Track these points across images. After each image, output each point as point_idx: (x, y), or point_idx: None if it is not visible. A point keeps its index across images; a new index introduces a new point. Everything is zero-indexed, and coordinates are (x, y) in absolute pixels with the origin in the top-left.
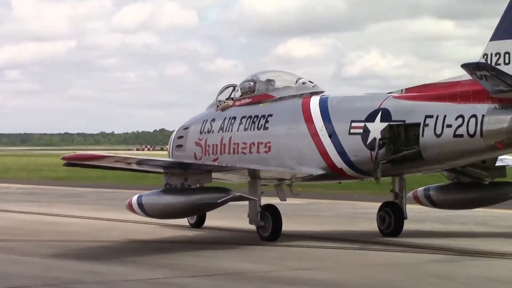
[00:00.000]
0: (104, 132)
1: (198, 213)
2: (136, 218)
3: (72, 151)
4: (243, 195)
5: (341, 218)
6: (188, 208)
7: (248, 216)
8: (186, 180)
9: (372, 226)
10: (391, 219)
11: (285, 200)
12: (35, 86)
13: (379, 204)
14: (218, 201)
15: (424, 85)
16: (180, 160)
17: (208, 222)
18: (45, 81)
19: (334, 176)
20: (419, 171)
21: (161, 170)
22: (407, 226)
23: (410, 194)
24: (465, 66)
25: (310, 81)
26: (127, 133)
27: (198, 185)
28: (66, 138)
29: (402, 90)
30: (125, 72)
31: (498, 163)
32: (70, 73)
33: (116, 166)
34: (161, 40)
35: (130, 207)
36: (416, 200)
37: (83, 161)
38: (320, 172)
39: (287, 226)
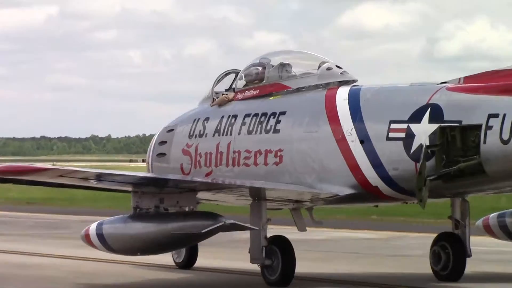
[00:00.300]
0: (97, 136)
1: (177, 247)
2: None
3: (51, 163)
4: (237, 223)
5: (379, 255)
6: (164, 241)
7: (249, 252)
8: (162, 202)
9: (422, 266)
10: (449, 257)
11: (305, 229)
12: (1, 70)
13: (433, 236)
14: (203, 231)
15: (491, 72)
16: (157, 174)
17: (200, 261)
18: (15, 63)
19: (368, 197)
20: (481, 190)
21: (129, 188)
22: (472, 267)
23: (479, 222)
24: None
25: (338, 66)
26: (129, 137)
27: (178, 209)
28: (43, 145)
29: (460, 79)
30: (127, 50)
31: None
32: (50, 52)
33: (70, 183)
34: (177, 5)
35: (86, 238)
36: (488, 230)
37: (14, 176)
38: (349, 191)
39: (302, 266)
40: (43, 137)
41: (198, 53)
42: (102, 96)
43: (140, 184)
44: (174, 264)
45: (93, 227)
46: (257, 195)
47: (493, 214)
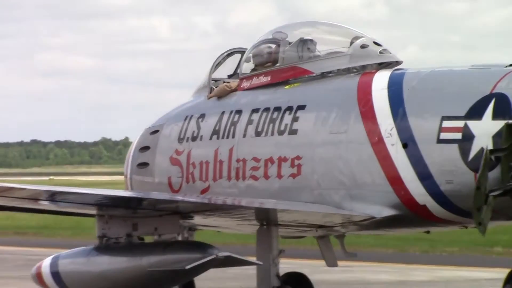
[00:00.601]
0: (109, 140)
1: None
2: None
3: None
4: (234, 256)
5: None
6: (138, 280)
7: None
8: (136, 229)
9: None
10: None
11: (336, 265)
12: None
13: (506, 272)
14: (187, 267)
15: None
16: (131, 192)
17: None
18: None
19: (413, 220)
20: None
21: (94, 212)
22: None
23: None
24: None
25: (376, 43)
26: None
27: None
28: (35, 152)
29: None
30: (149, 18)
31: None
32: (38, 21)
33: (9, 204)
34: None
35: (38, 278)
36: None
37: None
38: (388, 212)
39: None
40: (34, 141)
41: (249, 21)
42: (114, 82)
43: (104, 205)
44: None
45: (46, 263)
46: (266, 218)
47: None
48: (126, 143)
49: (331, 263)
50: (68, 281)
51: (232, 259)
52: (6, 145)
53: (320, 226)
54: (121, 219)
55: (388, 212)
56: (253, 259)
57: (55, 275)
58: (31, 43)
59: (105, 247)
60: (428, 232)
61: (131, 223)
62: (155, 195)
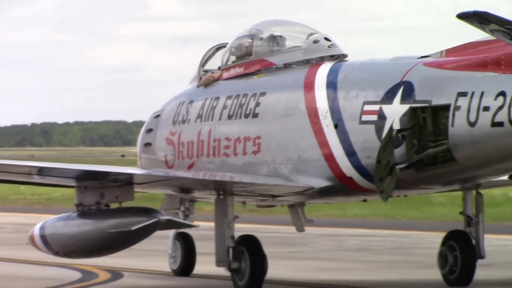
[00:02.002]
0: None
1: (117, 248)
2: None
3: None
4: (174, 219)
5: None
6: (101, 240)
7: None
8: (103, 197)
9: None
10: (457, 259)
11: (304, 230)
12: None
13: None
14: (132, 228)
15: (474, 44)
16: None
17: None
18: None
19: (345, 190)
20: (458, 181)
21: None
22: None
23: None
24: (462, 17)
25: (326, 39)
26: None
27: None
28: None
29: (442, 51)
30: None
31: None
32: None
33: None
34: None
35: (31, 241)
36: None
37: None
38: (325, 183)
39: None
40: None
41: None
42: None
43: (79, 178)
44: (170, 270)
45: (37, 228)
46: (221, 189)
47: None
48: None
49: (300, 228)
50: (52, 242)
51: (173, 222)
52: None
53: (273, 196)
54: (92, 189)
55: (324, 183)
56: None
57: (43, 237)
58: None
59: (81, 213)
60: (365, 200)
61: (100, 193)
62: (107, 168)
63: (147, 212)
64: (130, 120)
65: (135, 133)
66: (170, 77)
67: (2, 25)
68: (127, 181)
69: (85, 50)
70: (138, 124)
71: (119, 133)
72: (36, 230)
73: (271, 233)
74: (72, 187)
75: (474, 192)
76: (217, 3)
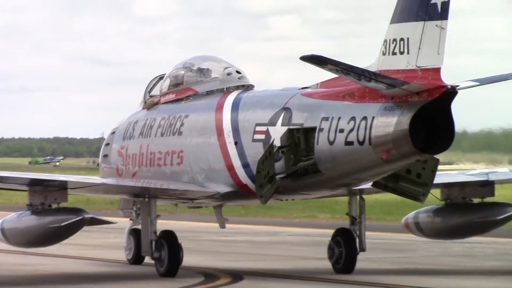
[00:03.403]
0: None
1: (54, 240)
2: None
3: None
4: (96, 217)
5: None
6: (43, 234)
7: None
8: (46, 199)
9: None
10: (341, 251)
11: (225, 227)
12: None
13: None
14: (62, 224)
15: (338, 78)
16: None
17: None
18: None
19: (244, 195)
20: (324, 188)
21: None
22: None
23: (404, 220)
24: (303, 59)
25: (238, 71)
26: None
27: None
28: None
29: (318, 84)
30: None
31: (481, 178)
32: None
33: None
34: None
35: None
36: (407, 228)
37: None
38: (228, 189)
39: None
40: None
41: None
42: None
43: (28, 184)
44: (125, 260)
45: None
46: (145, 193)
47: (412, 212)
48: None
49: (222, 226)
50: (8, 235)
51: (96, 220)
52: None
53: (191, 199)
54: (38, 192)
55: (227, 189)
56: None
57: (2, 231)
58: None
59: (30, 212)
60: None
61: (44, 195)
62: (42, 176)
63: (76, 211)
64: None
65: None
66: None
67: (133, 43)
68: (61, 186)
69: None
70: None
71: None
72: None
73: (383, 239)
74: (25, 190)
75: (358, 197)
76: (335, 24)
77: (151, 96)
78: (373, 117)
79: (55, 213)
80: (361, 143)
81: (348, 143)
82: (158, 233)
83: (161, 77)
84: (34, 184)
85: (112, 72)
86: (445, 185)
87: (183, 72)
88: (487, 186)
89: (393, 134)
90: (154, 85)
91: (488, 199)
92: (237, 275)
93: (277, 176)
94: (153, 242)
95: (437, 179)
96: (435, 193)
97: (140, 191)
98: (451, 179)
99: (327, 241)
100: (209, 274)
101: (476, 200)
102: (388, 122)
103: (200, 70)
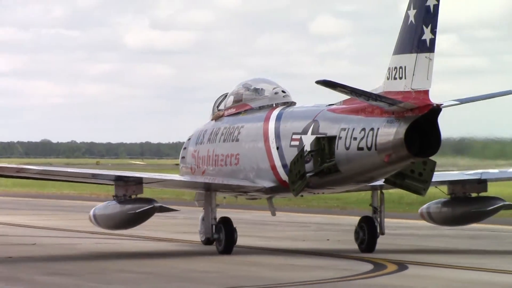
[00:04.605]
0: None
1: (133, 224)
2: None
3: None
4: (164, 206)
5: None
6: (123, 218)
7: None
8: (127, 191)
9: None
10: (365, 235)
11: (275, 214)
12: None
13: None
14: (137, 210)
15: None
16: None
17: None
18: None
19: (284, 189)
20: (345, 184)
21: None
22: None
23: (420, 210)
24: (318, 83)
25: (283, 91)
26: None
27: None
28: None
29: (341, 101)
30: None
31: (474, 177)
32: None
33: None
34: None
35: (90, 219)
36: (422, 216)
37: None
38: (272, 184)
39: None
40: None
41: None
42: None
43: (115, 179)
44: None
45: (92, 210)
46: (207, 188)
47: (426, 204)
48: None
49: (273, 213)
50: (98, 219)
51: (164, 208)
52: None
53: (245, 192)
54: (121, 186)
55: (271, 184)
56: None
57: (94, 217)
58: None
59: (116, 201)
60: (302, 195)
61: (125, 188)
62: (120, 172)
63: (148, 201)
64: None
65: None
66: None
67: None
68: (138, 181)
69: (371, 81)
70: None
71: None
72: (91, 212)
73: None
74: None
75: (378, 191)
76: (490, 42)
77: (218, 110)
78: (378, 128)
79: (133, 202)
80: (369, 148)
81: (360, 148)
82: (217, 219)
83: (225, 95)
84: (118, 179)
85: (293, 84)
86: (450, 182)
87: (242, 91)
88: (481, 183)
89: (393, 142)
90: (221, 101)
91: (482, 194)
92: (402, 265)
93: (307, 174)
94: (213, 226)
95: (444, 178)
96: (443, 189)
97: (204, 186)
98: (454, 178)
99: None
100: (377, 264)
101: (474, 195)
102: (389, 132)
103: (256, 90)
